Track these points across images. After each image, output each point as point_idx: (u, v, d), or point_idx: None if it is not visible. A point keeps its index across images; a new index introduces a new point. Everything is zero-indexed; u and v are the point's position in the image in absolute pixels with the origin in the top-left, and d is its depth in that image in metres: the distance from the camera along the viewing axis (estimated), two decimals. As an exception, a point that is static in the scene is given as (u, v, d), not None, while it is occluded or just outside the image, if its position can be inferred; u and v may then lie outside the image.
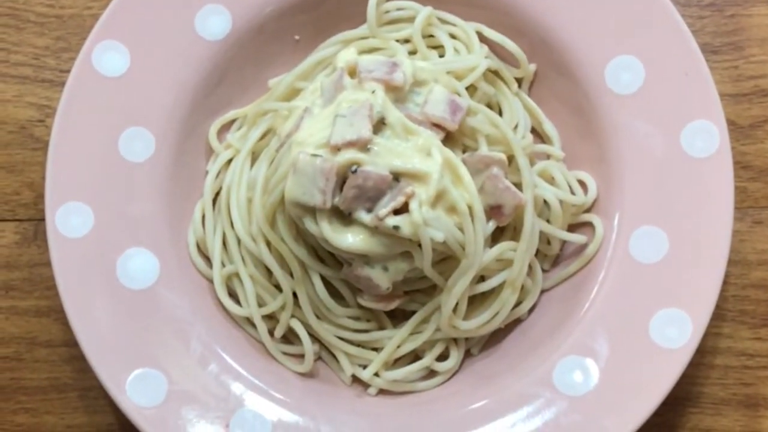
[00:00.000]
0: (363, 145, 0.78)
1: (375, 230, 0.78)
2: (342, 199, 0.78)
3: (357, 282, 0.81)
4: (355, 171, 0.77)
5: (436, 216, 0.78)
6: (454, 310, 0.82)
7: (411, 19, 0.87)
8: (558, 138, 0.89)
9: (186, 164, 0.87)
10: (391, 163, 0.78)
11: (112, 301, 0.81)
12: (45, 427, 0.88)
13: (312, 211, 0.78)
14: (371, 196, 0.78)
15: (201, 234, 0.86)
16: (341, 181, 0.78)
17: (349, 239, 0.79)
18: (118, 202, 0.83)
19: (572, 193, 0.86)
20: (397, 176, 0.78)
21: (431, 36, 0.88)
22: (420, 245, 0.78)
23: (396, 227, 0.77)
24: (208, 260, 0.86)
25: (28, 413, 0.88)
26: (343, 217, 0.79)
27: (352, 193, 0.77)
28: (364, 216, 0.78)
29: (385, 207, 0.77)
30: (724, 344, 0.88)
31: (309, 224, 0.79)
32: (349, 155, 0.77)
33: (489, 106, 0.87)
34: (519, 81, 0.89)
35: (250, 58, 0.89)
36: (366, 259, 0.80)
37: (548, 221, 0.85)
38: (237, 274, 0.85)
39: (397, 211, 0.78)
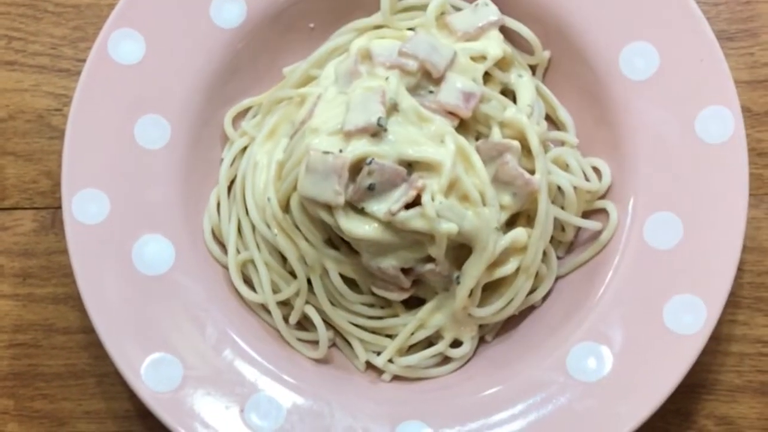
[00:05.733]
0: (376, 132, 0.78)
1: (388, 223, 0.78)
2: (355, 189, 0.78)
3: (378, 273, 0.81)
4: (371, 162, 0.77)
5: (450, 205, 0.78)
6: (469, 296, 0.82)
7: (424, 7, 0.87)
8: (572, 124, 0.89)
9: (201, 151, 0.87)
10: (404, 152, 0.78)
11: (128, 287, 0.82)
12: (62, 413, 0.88)
13: (326, 205, 0.79)
14: (384, 189, 0.78)
15: (216, 221, 0.87)
16: (355, 171, 0.78)
17: (364, 228, 0.79)
18: (134, 189, 0.84)
19: (586, 179, 0.86)
20: (409, 164, 0.79)
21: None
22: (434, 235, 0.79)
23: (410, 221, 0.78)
24: (223, 247, 0.87)
25: (46, 399, 0.88)
26: (357, 207, 0.79)
27: (366, 184, 0.78)
28: (376, 210, 0.78)
29: (397, 201, 0.78)
30: (739, 331, 0.88)
31: (324, 215, 0.79)
32: (360, 148, 0.78)
33: (503, 92, 0.87)
34: (533, 68, 0.90)
35: (264, 46, 0.89)
36: (379, 249, 0.80)
37: (563, 208, 0.85)
38: (252, 261, 0.85)
39: (409, 204, 0.78)
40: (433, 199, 0.77)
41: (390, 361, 0.84)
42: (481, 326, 0.85)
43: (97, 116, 0.84)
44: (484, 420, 0.80)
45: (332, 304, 0.84)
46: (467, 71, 0.84)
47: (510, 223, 0.83)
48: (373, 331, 0.85)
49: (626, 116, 0.84)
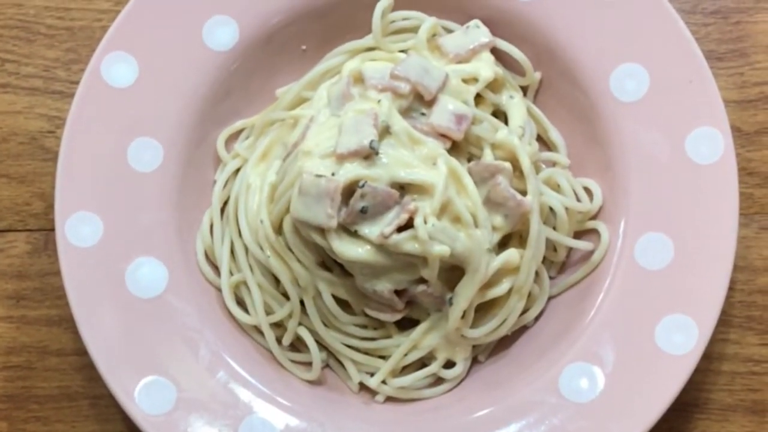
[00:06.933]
0: (368, 155, 0.79)
1: (381, 246, 0.79)
2: (348, 212, 0.78)
3: (373, 295, 0.82)
4: (363, 185, 0.78)
5: (442, 227, 0.78)
6: (462, 317, 0.82)
7: (416, 29, 0.88)
8: (563, 145, 0.89)
9: (194, 174, 0.88)
10: (397, 174, 0.79)
11: (121, 310, 0.82)
12: (56, 435, 0.88)
13: (319, 228, 0.79)
14: (377, 212, 0.78)
15: (209, 243, 0.87)
16: (347, 194, 0.79)
17: (357, 250, 0.79)
18: (127, 211, 0.84)
19: (578, 200, 0.86)
20: (402, 187, 0.79)
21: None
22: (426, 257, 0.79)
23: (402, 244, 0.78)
24: (216, 269, 0.87)
25: (40, 422, 0.88)
26: (350, 230, 0.80)
27: (359, 207, 0.78)
28: (369, 233, 0.78)
29: (390, 224, 0.78)
30: (731, 350, 0.88)
31: (317, 238, 0.80)
32: (353, 171, 0.78)
33: (495, 113, 0.87)
34: (524, 89, 0.90)
35: (257, 68, 0.89)
36: (372, 271, 0.80)
37: (554, 228, 0.86)
38: (245, 283, 0.86)
39: (402, 227, 0.78)
40: (425, 222, 0.78)
41: (383, 382, 0.84)
42: (474, 347, 0.85)
43: (90, 139, 0.84)
44: (477, 441, 0.81)
45: (325, 325, 0.85)
46: (459, 93, 0.84)
47: (502, 244, 0.83)
48: (366, 353, 0.85)
49: (617, 137, 0.85)
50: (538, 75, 0.89)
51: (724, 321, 0.88)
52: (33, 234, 0.92)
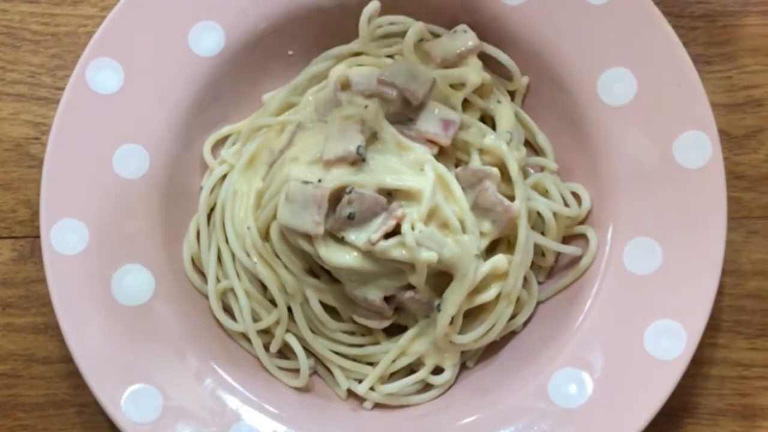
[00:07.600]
0: (355, 161, 0.78)
1: (368, 253, 0.78)
2: (335, 219, 0.78)
3: (363, 303, 0.81)
4: (351, 192, 0.77)
5: (429, 234, 0.78)
6: (450, 323, 0.82)
7: (403, 34, 0.87)
8: (551, 150, 0.89)
9: (181, 180, 0.87)
10: (384, 180, 0.78)
11: (107, 318, 0.81)
12: (43, 443, 0.88)
13: (306, 234, 0.79)
14: (364, 218, 0.78)
15: (196, 249, 0.87)
16: (335, 201, 0.78)
17: (344, 257, 0.79)
18: (113, 218, 0.83)
19: (566, 205, 0.86)
20: (389, 193, 0.79)
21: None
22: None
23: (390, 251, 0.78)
24: (203, 276, 0.87)
25: (26, 430, 0.88)
26: (337, 236, 0.79)
27: (346, 213, 0.78)
28: (356, 240, 0.78)
29: (377, 231, 0.78)
30: (720, 354, 0.88)
31: (304, 245, 0.79)
32: (340, 178, 0.78)
33: (482, 118, 0.87)
34: (512, 93, 0.90)
35: (243, 73, 0.89)
36: (360, 278, 0.80)
37: (542, 233, 0.85)
38: (232, 290, 0.85)
39: (389, 233, 0.78)
40: (413, 228, 0.77)
41: (371, 389, 0.84)
42: (462, 352, 0.85)
43: (75, 146, 0.84)
44: (466, 447, 0.80)
45: (313, 332, 0.84)
46: (446, 98, 0.84)
47: (490, 250, 0.83)
48: (354, 359, 0.85)
49: (605, 142, 0.85)
50: (525, 79, 0.89)
51: (713, 325, 0.88)
52: (18, 241, 0.91)
